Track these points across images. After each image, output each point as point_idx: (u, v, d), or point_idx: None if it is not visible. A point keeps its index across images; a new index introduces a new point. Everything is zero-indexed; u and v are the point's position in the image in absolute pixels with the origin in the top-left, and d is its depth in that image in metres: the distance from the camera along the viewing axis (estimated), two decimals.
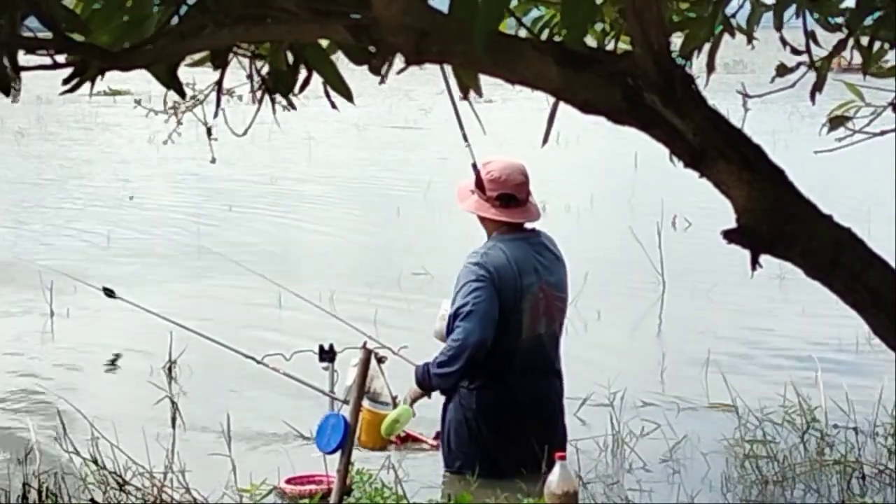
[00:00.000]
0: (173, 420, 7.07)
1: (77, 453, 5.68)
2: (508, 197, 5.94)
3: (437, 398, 6.20)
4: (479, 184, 5.96)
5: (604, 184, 16.38)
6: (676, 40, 3.65)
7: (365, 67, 2.76)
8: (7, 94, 2.55)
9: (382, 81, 2.82)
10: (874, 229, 4.98)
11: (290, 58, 3.15)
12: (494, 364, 5.89)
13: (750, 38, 3.82)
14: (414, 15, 2.54)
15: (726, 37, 3.78)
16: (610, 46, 3.93)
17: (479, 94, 3.19)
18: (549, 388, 6.07)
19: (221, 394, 7.69)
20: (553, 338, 6.05)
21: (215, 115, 3.68)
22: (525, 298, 5.90)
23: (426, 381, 5.90)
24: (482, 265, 5.86)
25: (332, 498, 5.17)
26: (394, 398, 5.85)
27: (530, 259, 5.95)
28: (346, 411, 5.29)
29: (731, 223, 2.55)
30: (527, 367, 5.94)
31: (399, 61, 2.66)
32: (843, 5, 3.60)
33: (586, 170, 17.72)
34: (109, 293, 6.22)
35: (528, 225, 6.08)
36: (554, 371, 6.08)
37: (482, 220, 6.06)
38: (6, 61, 2.54)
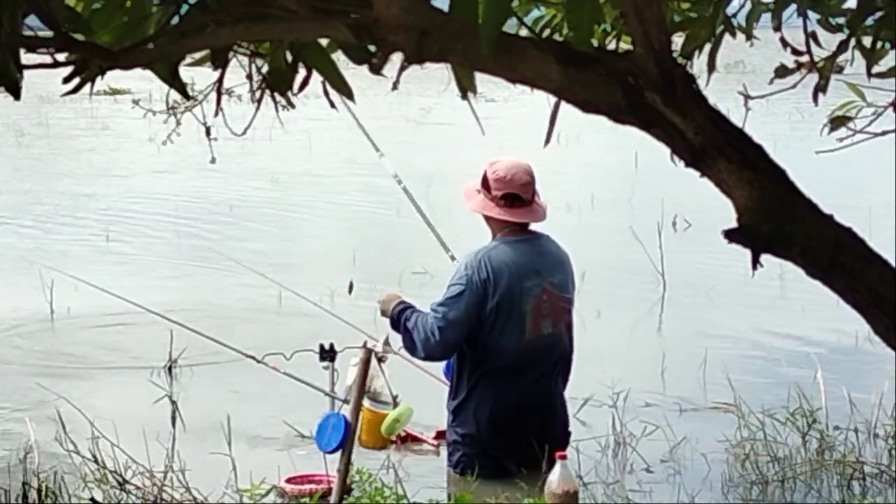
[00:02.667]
0: (173, 420, 7.06)
1: (77, 452, 5.68)
2: (513, 196, 5.95)
3: (438, 398, 6.21)
4: (485, 183, 5.98)
5: (604, 183, 16.36)
6: (677, 40, 3.65)
7: (364, 67, 2.75)
8: (16, 95, 2.54)
9: (395, 87, 2.82)
10: (874, 229, 4.97)
11: (290, 57, 3.14)
12: (496, 364, 5.90)
13: (749, 37, 3.81)
14: (415, 14, 2.54)
15: (727, 37, 3.77)
16: (611, 46, 3.93)
17: (474, 91, 3.18)
18: (551, 388, 6.06)
19: (221, 393, 7.69)
20: (558, 337, 6.05)
21: (215, 114, 3.67)
22: (526, 301, 5.90)
23: (395, 322, 6.04)
24: (472, 266, 5.90)
25: (332, 498, 5.18)
26: (394, 397, 5.85)
27: (532, 261, 5.95)
28: (347, 411, 5.30)
29: (732, 223, 2.55)
30: (529, 368, 5.94)
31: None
32: (844, 6, 3.59)
33: (586, 169, 17.69)
34: None
35: (532, 227, 6.08)
36: (557, 371, 6.08)
37: (487, 219, 6.07)
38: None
